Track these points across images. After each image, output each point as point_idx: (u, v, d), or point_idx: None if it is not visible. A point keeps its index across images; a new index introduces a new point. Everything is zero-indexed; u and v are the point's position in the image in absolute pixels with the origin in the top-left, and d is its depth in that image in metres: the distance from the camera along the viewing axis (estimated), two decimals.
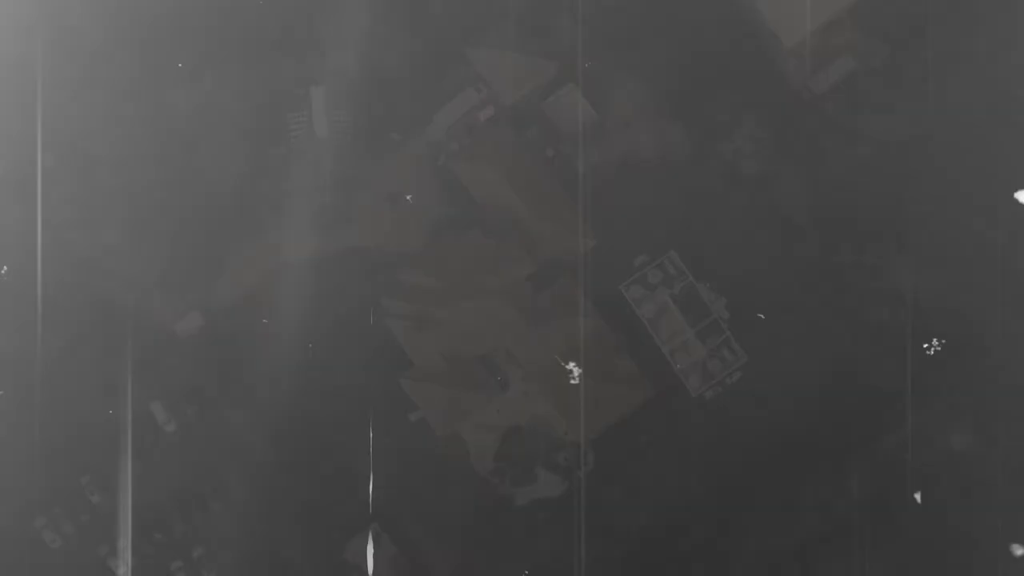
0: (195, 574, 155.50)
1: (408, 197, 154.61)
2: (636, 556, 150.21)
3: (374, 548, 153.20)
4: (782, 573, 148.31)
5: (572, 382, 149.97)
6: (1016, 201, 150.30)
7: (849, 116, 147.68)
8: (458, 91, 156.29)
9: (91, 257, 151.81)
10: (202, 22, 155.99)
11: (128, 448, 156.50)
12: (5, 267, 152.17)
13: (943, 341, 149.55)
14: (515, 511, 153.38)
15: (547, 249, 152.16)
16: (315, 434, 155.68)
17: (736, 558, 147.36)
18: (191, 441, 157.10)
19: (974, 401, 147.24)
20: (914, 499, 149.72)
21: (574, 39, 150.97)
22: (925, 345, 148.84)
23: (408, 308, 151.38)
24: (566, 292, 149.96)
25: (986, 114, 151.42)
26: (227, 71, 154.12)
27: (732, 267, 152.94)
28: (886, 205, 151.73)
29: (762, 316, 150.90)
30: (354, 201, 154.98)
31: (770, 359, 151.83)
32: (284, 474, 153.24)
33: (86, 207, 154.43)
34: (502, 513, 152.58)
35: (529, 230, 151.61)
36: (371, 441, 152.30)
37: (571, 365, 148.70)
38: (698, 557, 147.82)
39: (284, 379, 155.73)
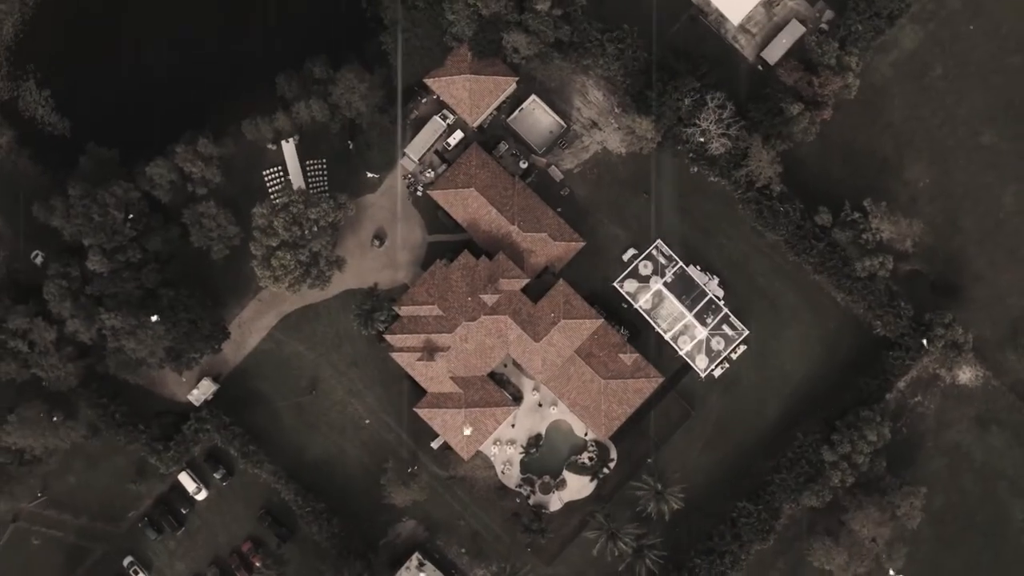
0: None
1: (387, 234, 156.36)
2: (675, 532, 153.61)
3: (419, 575, 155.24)
4: (819, 527, 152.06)
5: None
6: (981, 144, 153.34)
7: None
8: (424, 121, 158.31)
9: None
10: None
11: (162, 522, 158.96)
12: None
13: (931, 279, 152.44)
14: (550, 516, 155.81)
15: (536, 259, 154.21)
16: (342, 475, 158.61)
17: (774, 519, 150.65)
18: (223, 503, 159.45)
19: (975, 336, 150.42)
20: (930, 441, 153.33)
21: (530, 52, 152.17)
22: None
23: (412, 340, 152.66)
24: (562, 297, 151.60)
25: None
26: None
27: (719, 245, 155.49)
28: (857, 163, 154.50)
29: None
30: (342, 245, 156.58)
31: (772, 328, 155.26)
32: (320, 520, 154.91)
33: None
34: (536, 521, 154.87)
35: (516, 243, 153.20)
36: (398, 474, 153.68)
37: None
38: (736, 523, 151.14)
39: (300, 427, 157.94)
